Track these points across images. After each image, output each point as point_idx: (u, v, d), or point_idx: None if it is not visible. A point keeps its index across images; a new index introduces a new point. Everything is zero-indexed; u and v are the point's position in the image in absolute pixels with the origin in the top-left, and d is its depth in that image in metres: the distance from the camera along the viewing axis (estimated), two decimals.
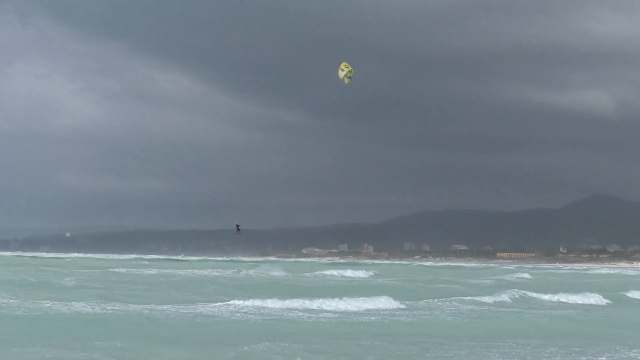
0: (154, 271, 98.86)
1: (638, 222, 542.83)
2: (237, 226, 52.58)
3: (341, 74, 41.36)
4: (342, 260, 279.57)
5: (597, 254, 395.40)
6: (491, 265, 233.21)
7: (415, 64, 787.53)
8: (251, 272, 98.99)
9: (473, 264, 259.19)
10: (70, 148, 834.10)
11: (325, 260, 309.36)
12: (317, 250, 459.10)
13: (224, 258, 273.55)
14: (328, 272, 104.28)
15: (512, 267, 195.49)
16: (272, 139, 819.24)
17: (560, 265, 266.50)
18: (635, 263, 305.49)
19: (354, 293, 56.38)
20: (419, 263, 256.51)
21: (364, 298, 49.05)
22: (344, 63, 41.35)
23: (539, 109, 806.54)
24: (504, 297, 58.50)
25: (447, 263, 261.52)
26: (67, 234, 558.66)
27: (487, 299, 55.70)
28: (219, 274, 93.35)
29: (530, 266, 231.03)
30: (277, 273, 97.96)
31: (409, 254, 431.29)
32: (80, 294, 49.16)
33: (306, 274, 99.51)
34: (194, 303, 46.14)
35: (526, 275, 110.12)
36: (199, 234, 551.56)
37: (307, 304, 45.79)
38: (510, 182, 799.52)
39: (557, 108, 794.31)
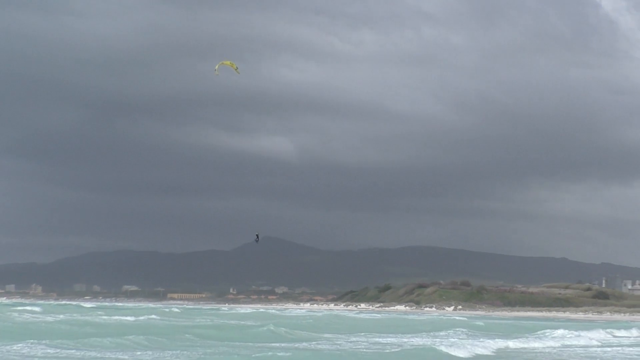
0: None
1: (305, 265, 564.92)
2: (257, 236, 54.59)
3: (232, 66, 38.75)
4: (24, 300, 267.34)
5: (266, 295, 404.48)
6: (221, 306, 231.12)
7: (107, 106, 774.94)
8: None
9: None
10: None
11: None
12: None
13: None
14: None
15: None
16: None
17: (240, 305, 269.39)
18: (302, 304, 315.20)
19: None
20: (95, 304, 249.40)
21: None
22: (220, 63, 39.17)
23: (225, 154, 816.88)
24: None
25: (119, 303, 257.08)
26: None
27: None
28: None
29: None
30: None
31: (79, 295, 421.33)
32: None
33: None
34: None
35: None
36: None
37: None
38: (183, 224, 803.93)
39: (242, 153, 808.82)
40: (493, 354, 47.57)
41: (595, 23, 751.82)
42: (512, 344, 55.94)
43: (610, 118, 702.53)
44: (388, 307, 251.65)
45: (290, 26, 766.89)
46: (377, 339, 56.14)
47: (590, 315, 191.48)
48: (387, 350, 44.14)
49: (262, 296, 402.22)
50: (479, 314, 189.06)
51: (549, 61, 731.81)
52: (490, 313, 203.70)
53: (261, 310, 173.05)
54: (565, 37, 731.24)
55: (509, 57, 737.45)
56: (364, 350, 44.18)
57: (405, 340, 56.04)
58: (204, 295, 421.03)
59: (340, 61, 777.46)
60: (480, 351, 46.47)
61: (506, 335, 68.71)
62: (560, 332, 73.53)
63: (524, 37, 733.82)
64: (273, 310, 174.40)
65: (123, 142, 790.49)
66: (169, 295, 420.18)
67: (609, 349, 56.08)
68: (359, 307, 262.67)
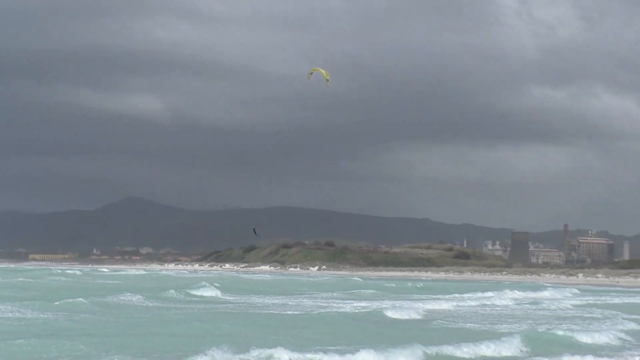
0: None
1: (169, 225, 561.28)
2: (254, 230, 62.69)
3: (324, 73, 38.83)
4: None
5: (130, 256, 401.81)
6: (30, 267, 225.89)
7: None
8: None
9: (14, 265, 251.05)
10: None
11: None
12: None
13: None
14: None
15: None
16: None
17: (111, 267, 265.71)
18: (166, 265, 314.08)
19: None
20: None
21: None
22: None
23: (92, 113, 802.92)
24: None
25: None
26: None
27: None
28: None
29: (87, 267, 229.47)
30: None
31: None
32: None
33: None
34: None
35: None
36: None
37: None
38: (45, 184, 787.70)
39: (109, 112, 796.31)
40: (429, 314, 49.19)
41: None
42: (448, 304, 59.26)
43: (480, 83, 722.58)
44: (253, 267, 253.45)
45: None
46: (313, 302, 58.54)
47: (451, 275, 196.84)
48: (338, 311, 47.79)
49: (126, 257, 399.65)
50: (343, 274, 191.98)
51: (422, 26, 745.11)
52: (354, 273, 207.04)
53: (164, 272, 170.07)
54: (438, 2, 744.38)
55: (383, 22, 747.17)
56: (322, 312, 46.61)
57: (336, 303, 57.91)
58: (66, 256, 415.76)
59: (216, 22, 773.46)
60: (424, 313, 48.62)
61: (429, 298, 71.25)
62: (486, 293, 77.68)
63: (399, 2, 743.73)
64: (168, 272, 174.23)
65: None
66: (30, 256, 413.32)
67: (534, 306, 60.53)
68: (223, 267, 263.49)
